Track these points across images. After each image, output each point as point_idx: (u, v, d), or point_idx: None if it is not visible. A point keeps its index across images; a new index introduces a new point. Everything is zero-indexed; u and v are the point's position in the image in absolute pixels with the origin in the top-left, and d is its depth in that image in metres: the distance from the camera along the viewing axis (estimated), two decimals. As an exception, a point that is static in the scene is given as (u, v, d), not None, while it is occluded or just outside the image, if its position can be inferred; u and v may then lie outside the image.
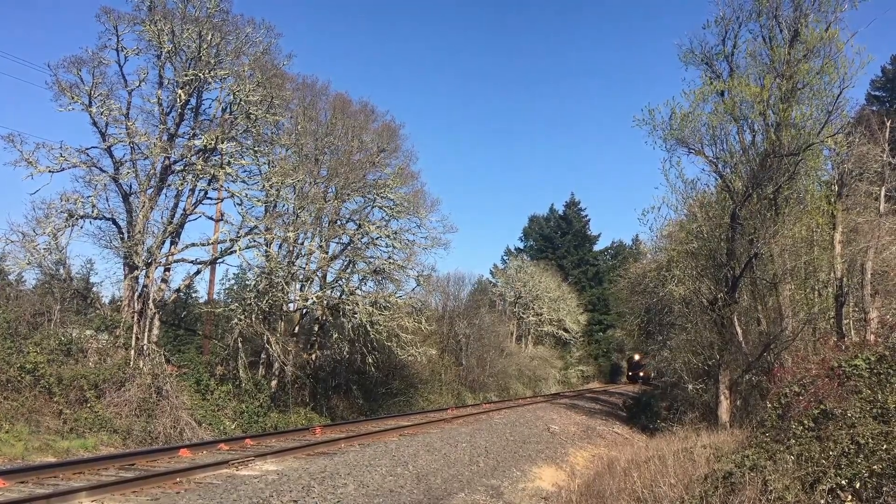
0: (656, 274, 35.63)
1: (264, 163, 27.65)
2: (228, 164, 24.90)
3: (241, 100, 24.66)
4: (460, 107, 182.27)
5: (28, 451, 15.52)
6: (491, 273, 76.12)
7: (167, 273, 24.99)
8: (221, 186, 26.51)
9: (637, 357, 75.03)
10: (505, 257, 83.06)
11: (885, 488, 9.27)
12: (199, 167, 24.07)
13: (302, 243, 30.99)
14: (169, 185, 24.32)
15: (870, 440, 10.03)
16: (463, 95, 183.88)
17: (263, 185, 26.24)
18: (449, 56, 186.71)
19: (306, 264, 31.68)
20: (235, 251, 25.22)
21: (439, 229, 34.38)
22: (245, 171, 26.28)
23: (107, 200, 23.25)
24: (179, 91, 23.73)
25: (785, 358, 21.58)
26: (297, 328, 31.84)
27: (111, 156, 23.24)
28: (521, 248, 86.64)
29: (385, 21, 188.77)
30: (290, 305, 31.00)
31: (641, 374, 74.30)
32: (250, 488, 12.12)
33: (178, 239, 25.23)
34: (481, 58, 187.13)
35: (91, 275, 26.81)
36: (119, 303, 24.48)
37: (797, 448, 10.99)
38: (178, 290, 26.91)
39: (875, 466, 9.53)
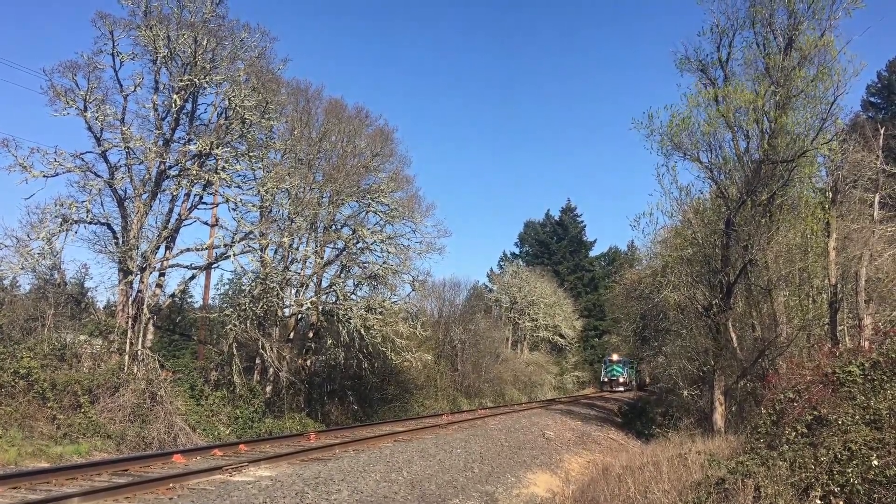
0: (651, 280, 35.68)
1: (259, 168, 27.65)
2: (223, 169, 24.88)
3: (236, 105, 24.65)
4: (456, 111, 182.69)
5: (21, 456, 15.48)
6: (487, 278, 76.29)
7: (162, 278, 24.95)
8: (216, 191, 26.53)
9: (615, 357, 63.90)
10: (501, 263, 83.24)
11: (876, 495, 9.30)
12: (194, 172, 24.06)
13: (297, 248, 31.02)
14: (164, 190, 24.29)
15: (863, 447, 10.07)
16: (459, 99, 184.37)
17: (258, 191, 26.24)
18: (445, 60, 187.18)
19: (301, 269, 31.70)
20: (230, 256, 25.20)
21: (434, 234, 34.41)
22: (240, 176, 26.32)
23: (101, 205, 23.21)
24: (175, 96, 23.73)
25: (779, 364, 21.55)
26: (291, 334, 31.79)
27: (106, 161, 23.21)
28: (517, 253, 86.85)
29: (381, 23, 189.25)
30: (285, 311, 31.00)
31: (622, 379, 63.26)
32: (244, 494, 12.09)
33: (173, 244, 25.21)
34: (478, 62, 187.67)
35: (85, 279, 26.83)
36: (113, 308, 24.44)
37: (790, 454, 11.02)
38: (172, 296, 26.86)
39: (868, 473, 9.56)
